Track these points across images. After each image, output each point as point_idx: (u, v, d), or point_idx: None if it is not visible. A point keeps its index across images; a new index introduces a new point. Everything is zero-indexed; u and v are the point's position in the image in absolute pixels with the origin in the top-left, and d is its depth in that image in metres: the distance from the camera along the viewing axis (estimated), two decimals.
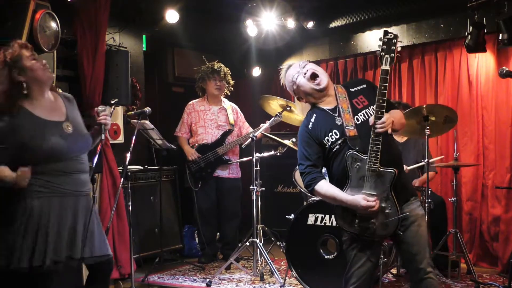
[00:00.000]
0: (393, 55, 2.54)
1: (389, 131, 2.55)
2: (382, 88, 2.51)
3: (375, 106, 2.54)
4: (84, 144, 2.83)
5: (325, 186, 2.67)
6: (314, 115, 2.76)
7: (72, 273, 2.77)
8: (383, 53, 2.55)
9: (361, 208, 2.55)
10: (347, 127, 2.63)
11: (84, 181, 2.80)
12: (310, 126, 2.74)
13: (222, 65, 5.34)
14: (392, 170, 2.54)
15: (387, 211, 2.57)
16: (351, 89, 2.75)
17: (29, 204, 2.60)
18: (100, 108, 2.95)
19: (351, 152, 2.59)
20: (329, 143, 2.67)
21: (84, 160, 2.82)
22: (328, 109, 2.74)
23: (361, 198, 2.55)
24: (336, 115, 2.69)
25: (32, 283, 2.65)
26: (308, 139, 2.73)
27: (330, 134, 2.67)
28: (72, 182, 2.73)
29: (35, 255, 2.57)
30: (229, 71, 5.37)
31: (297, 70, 2.79)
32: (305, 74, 2.75)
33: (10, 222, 2.60)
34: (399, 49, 2.56)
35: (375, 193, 2.55)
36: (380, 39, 2.56)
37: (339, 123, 2.67)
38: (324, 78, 2.74)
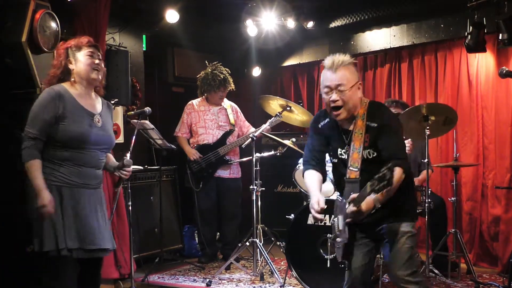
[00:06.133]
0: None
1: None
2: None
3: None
4: (108, 141, 2.94)
5: (308, 176, 2.78)
6: (327, 120, 2.79)
7: (75, 265, 2.82)
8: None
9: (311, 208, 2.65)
10: (350, 168, 2.60)
11: (98, 175, 2.90)
12: (320, 125, 2.81)
13: (225, 72, 5.28)
14: (345, 238, 2.57)
15: (338, 239, 2.65)
16: (367, 123, 2.64)
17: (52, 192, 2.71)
18: (126, 161, 3.05)
19: (344, 188, 2.65)
20: (331, 152, 2.76)
21: (103, 158, 2.93)
22: (342, 129, 2.72)
23: (316, 200, 2.62)
24: (346, 141, 2.69)
25: (46, 269, 2.73)
26: (315, 133, 2.83)
27: (333, 148, 2.75)
28: (85, 175, 2.82)
29: (58, 240, 2.67)
30: (230, 77, 5.33)
31: (326, 84, 2.66)
32: (330, 99, 2.64)
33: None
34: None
35: (340, 228, 2.63)
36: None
37: (342, 154, 2.70)
38: (343, 112, 2.64)
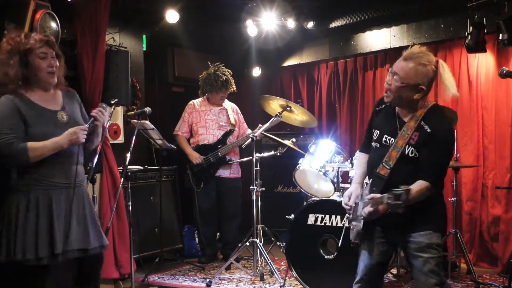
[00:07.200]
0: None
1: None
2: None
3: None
4: None
5: (358, 159, 2.92)
6: (383, 106, 2.77)
7: (66, 267, 2.75)
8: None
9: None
10: (383, 163, 2.60)
11: (77, 172, 2.76)
12: (378, 108, 2.81)
13: (228, 73, 5.28)
14: (359, 227, 2.64)
15: (353, 223, 2.71)
16: (421, 123, 2.58)
17: (18, 198, 2.63)
18: (101, 105, 2.96)
19: (371, 179, 2.68)
20: (377, 136, 2.72)
21: (75, 151, 2.78)
22: (399, 117, 2.66)
23: (347, 193, 2.75)
24: (397, 131, 2.64)
25: (30, 277, 2.65)
26: (372, 116, 2.87)
27: (381, 131, 2.71)
28: (63, 174, 2.73)
29: (27, 248, 2.58)
30: (232, 78, 5.33)
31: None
32: (389, 82, 2.64)
33: (3, 217, 2.64)
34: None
35: (358, 214, 2.69)
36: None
37: (387, 141, 2.66)
38: (389, 96, 2.63)
